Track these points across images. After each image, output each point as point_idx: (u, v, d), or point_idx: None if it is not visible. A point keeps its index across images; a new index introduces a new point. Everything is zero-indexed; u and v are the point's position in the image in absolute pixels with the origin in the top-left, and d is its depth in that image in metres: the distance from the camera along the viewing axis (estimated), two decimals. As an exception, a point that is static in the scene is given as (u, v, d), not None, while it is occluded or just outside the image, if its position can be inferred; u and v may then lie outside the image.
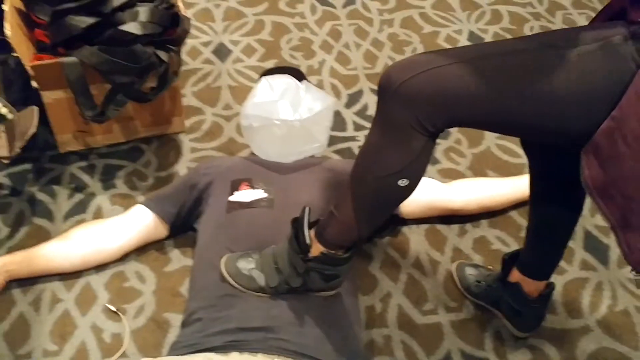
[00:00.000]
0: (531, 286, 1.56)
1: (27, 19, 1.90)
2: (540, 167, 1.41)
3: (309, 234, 1.32)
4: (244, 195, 1.63)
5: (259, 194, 1.63)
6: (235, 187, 1.66)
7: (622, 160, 1.02)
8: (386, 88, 1.11)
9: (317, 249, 1.31)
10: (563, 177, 1.36)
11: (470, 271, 1.72)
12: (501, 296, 1.63)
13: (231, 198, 1.63)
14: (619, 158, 1.02)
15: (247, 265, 1.43)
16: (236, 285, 1.42)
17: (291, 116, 1.72)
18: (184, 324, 1.47)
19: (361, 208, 1.22)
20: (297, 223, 1.34)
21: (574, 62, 1.03)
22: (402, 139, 1.11)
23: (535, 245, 1.53)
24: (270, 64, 2.37)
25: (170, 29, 1.83)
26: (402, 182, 1.15)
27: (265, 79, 1.79)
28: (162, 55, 1.79)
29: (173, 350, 1.40)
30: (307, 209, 1.34)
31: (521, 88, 1.05)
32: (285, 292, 1.40)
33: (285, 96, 1.75)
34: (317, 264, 1.32)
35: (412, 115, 1.09)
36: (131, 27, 1.71)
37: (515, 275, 1.58)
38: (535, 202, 1.47)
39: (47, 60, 1.76)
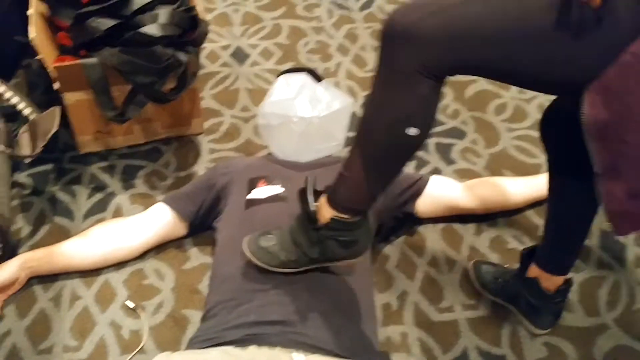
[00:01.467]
0: (549, 281, 1.56)
1: (51, 23, 1.94)
2: (558, 158, 1.40)
3: (313, 201, 1.30)
4: (262, 192, 1.64)
5: (275, 189, 1.64)
6: (252, 185, 1.67)
7: (629, 98, 0.98)
8: (389, 33, 1.06)
9: (327, 214, 1.28)
10: (581, 169, 1.35)
11: (487, 268, 1.72)
12: (518, 293, 1.63)
13: (249, 196, 1.65)
14: (627, 96, 0.98)
15: (267, 242, 1.42)
16: (259, 263, 1.41)
17: (309, 113, 1.73)
18: (203, 319, 1.48)
19: (371, 163, 1.18)
20: (302, 192, 1.32)
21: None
22: (408, 84, 1.07)
23: (553, 240, 1.52)
24: (287, 66, 2.38)
25: (189, 31, 1.86)
26: (411, 132, 1.10)
27: (282, 77, 1.80)
28: (181, 56, 1.81)
29: (191, 345, 1.40)
30: (310, 177, 1.33)
31: (530, 27, 1.00)
32: (307, 264, 1.39)
33: (303, 93, 1.75)
34: (328, 231, 1.30)
35: (417, 58, 1.04)
36: (151, 29, 1.74)
37: (533, 271, 1.58)
38: (554, 195, 1.46)
39: (69, 62, 1.79)
